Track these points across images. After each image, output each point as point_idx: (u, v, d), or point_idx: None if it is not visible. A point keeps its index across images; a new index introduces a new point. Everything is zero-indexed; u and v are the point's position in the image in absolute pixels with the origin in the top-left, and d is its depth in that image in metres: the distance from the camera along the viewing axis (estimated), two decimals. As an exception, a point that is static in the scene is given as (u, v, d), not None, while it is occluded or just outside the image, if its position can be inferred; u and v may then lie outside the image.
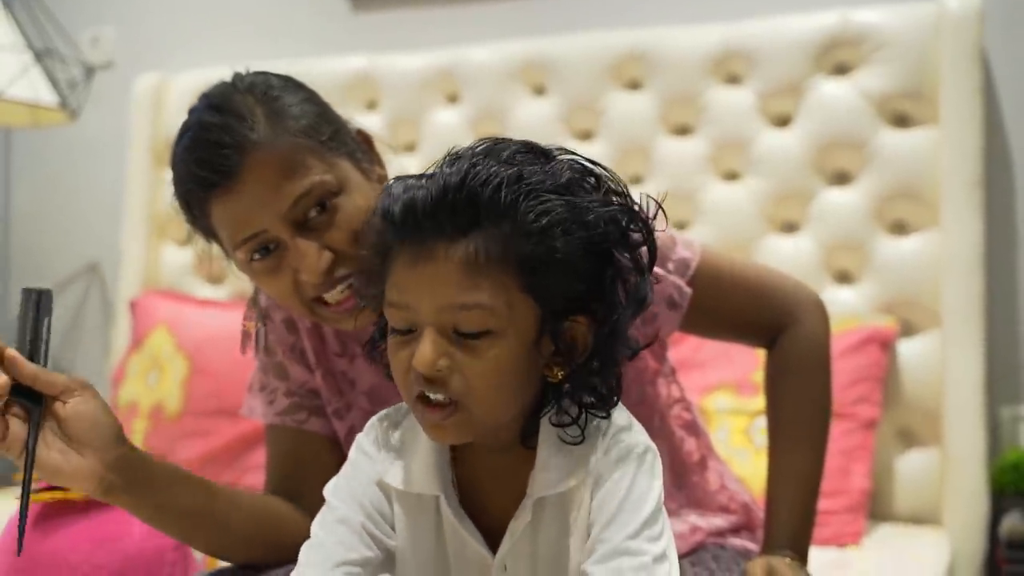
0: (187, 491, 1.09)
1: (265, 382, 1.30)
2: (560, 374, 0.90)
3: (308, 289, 1.12)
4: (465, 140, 2.77)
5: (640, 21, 2.39)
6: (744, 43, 2.24)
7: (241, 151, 1.07)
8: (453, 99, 2.53)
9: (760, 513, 1.35)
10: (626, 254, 0.90)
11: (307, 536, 1.01)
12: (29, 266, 3.14)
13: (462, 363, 0.87)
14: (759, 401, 1.63)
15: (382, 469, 0.96)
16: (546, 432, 0.93)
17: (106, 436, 1.01)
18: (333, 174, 1.11)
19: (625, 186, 0.93)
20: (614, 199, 0.91)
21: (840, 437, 1.96)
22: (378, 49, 2.64)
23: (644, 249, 0.91)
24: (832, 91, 2.18)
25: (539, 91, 2.45)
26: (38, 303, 1.01)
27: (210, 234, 1.17)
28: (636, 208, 0.92)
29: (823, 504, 1.88)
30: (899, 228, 2.14)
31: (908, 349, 2.10)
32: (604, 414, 0.93)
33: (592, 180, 0.92)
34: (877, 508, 2.06)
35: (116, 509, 1.20)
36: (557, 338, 0.89)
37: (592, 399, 0.92)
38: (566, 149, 0.94)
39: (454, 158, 0.91)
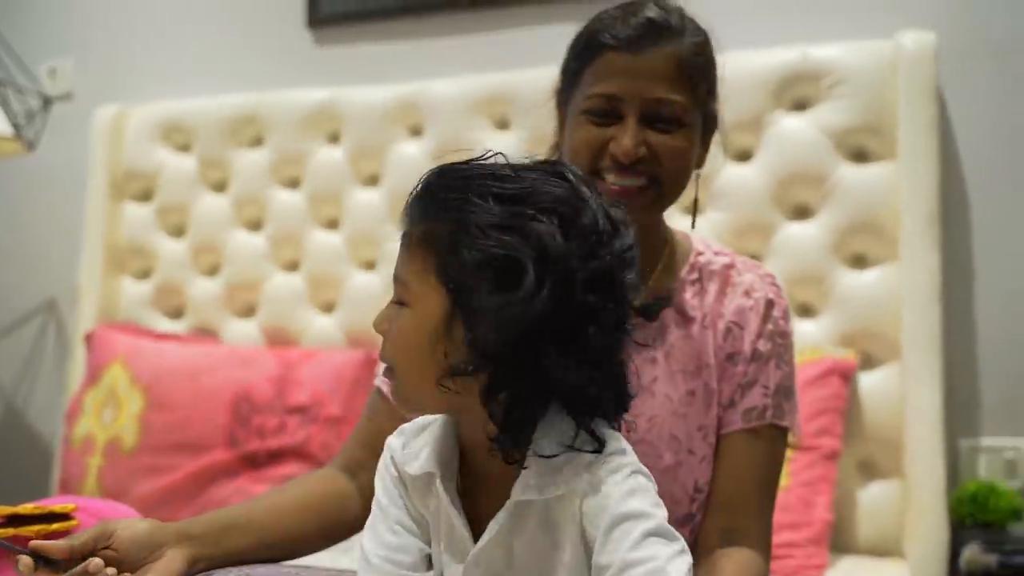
0: (238, 533, 1.20)
1: None
2: (456, 362, 0.92)
3: (604, 157, 1.25)
4: (429, 172, 2.74)
5: (602, 56, 2.41)
6: (705, 78, 2.26)
7: (660, 38, 1.24)
8: (416, 132, 2.53)
9: None
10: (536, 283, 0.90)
11: (365, 509, 1.10)
12: (-18, 300, 3.09)
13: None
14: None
15: (401, 460, 1.04)
16: (536, 442, 0.95)
17: (147, 545, 1.11)
18: (692, 109, 1.25)
19: (615, 233, 0.94)
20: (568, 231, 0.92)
21: (803, 469, 1.97)
22: (340, 82, 2.64)
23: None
24: (792, 126, 2.21)
25: (502, 124, 2.46)
26: None
27: (571, 75, 1.32)
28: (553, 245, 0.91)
29: (786, 536, 1.89)
30: (859, 261, 2.16)
31: (869, 381, 2.11)
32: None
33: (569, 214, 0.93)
34: (839, 540, 2.06)
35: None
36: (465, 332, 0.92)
37: (515, 413, 0.92)
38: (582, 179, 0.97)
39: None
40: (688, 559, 0.89)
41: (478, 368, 0.91)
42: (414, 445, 1.04)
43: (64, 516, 1.27)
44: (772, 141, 2.22)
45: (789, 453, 1.95)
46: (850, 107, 2.16)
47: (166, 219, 2.76)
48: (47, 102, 2.72)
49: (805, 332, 2.17)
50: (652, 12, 1.26)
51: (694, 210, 1.36)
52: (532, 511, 0.94)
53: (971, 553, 1.92)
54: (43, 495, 2.76)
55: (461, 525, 0.99)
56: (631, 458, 0.95)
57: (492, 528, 0.96)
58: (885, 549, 2.05)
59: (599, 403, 0.94)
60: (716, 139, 1.34)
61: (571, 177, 0.96)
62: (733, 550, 1.22)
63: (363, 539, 1.05)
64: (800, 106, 2.22)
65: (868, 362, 2.13)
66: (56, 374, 2.95)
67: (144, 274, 2.79)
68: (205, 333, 2.68)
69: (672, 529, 0.91)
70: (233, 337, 2.65)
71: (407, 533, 1.03)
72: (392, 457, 1.05)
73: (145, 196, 2.80)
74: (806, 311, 2.20)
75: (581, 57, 1.29)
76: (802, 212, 2.21)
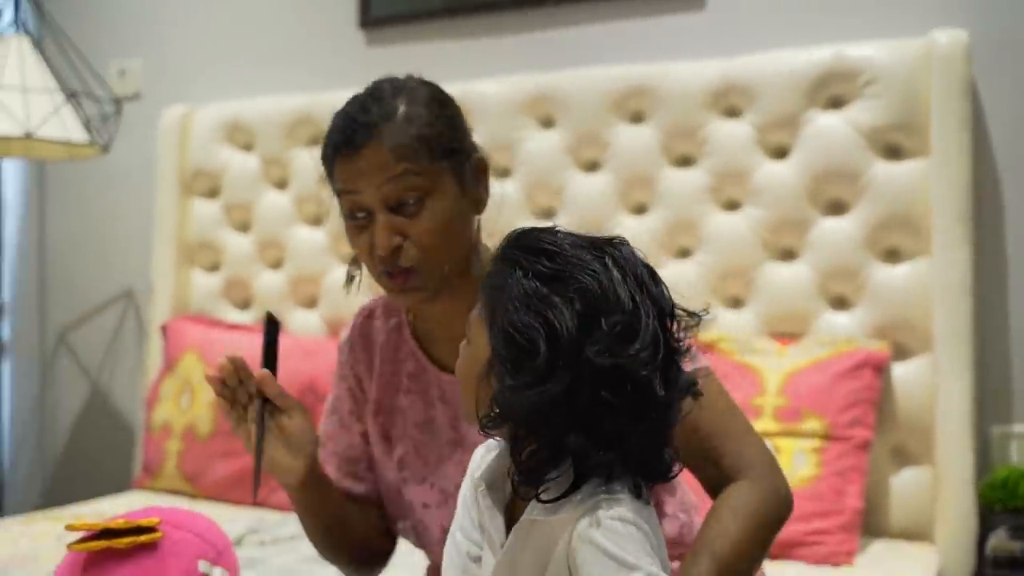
0: (332, 498, 1.42)
1: (322, 439, 1.53)
2: (485, 411, 1.02)
3: (376, 258, 1.33)
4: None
5: (642, 56, 2.49)
6: (742, 77, 2.34)
7: (369, 133, 1.30)
8: (465, 131, 2.63)
9: None
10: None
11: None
12: (65, 292, 3.28)
13: None
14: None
15: (475, 467, 1.15)
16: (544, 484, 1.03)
17: (312, 448, 1.33)
18: (430, 179, 1.31)
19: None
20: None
21: (835, 459, 2.07)
22: (393, 81, 2.74)
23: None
24: (827, 124, 2.27)
25: (547, 123, 2.55)
26: (273, 329, 1.34)
27: (327, 174, 1.38)
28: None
29: (817, 524, 2.00)
30: (892, 256, 2.23)
31: (901, 372, 2.19)
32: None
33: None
34: (872, 524, 2.16)
35: (156, 556, 1.33)
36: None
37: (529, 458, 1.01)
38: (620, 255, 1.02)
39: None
40: None
41: (501, 423, 1.01)
42: (488, 456, 1.14)
43: (150, 529, 1.41)
44: (808, 139, 2.29)
45: (819, 442, 2.06)
46: (883, 105, 2.21)
47: (232, 215, 2.91)
48: (118, 104, 2.87)
49: (839, 325, 2.25)
50: (357, 110, 1.32)
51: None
52: (537, 529, 1.03)
53: (997, 540, 2.00)
54: (127, 475, 2.96)
55: (494, 530, 1.09)
56: (626, 509, 0.99)
57: (510, 538, 1.06)
58: (916, 533, 2.15)
59: (614, 474, 1.00)
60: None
61: (611, 266, 1.00)
62: (723, 493, 1.24)
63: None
64: (835, 104, 2.28)
65: (901, 353, 2.20)
66: (135, 361, 3.14)
67: (213, 267, 2.95)
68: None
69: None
70: (297, 327, 2.80)
71: (462, 534, 1.14)
72: (472, 464, 1.17)
73: (212, 193, 2.95)
74: (841, 304, 2.28)
75: (324, 160, 1.36)
76: (837, 208, 2.28)
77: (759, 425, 1.69)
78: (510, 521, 1.10)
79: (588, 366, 0.96)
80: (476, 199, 1.38)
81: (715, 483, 1.27)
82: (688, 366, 1.24)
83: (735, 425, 1.30)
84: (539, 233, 1.06)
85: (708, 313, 1.06)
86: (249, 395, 1.32)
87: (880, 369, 2.15)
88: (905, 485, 2.18)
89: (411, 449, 1.44)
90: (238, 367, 1.32)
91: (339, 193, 1.34)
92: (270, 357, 1.34)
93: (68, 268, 3.28)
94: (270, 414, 1.32)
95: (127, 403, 3.16)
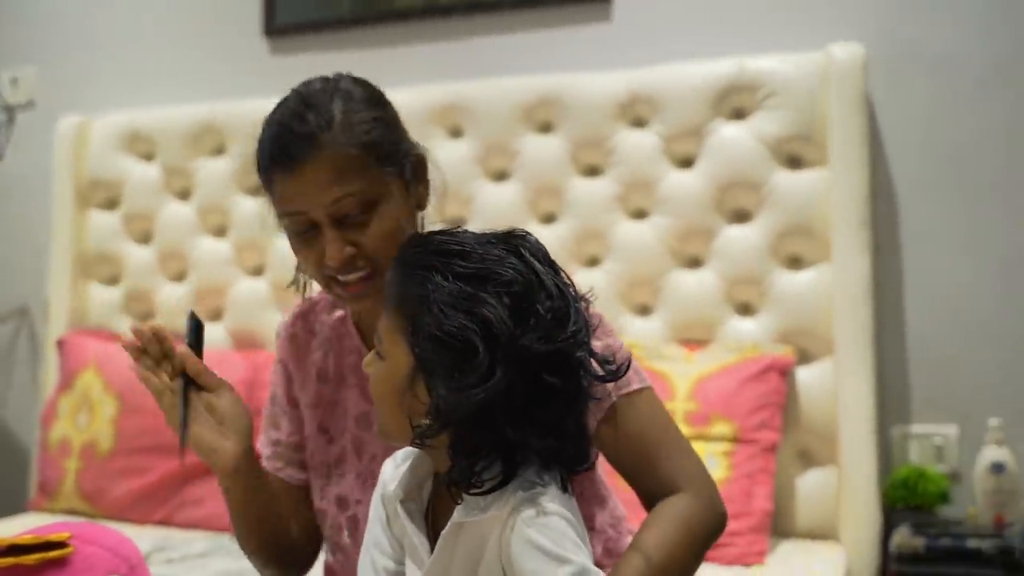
0: (267, 486, 1.35)
1: (264, 428, 1.49)
2: (418, 422, 1.02)
3: (328, 268, 1.29)
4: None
5: (551, 67, 2.51)
6: (648, 88, 2.38)
7: (309, 145, 1.24)
8: (373, 140, 2.61)
9: None
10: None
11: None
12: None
13: None
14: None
15: (387, 481, 1.15)
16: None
17: (245, 428, 1.27)
18: (378, 187, 1.27)
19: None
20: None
21: (744, 462, 2.11)
22: (299, 91, 2.71)
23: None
24: (731, 134, 2.33)
25: (455, 133, 2.56)
26: (197, 326, 1.30)
27: (264, 184, 1.33)
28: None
29: (729, 526, 2.02)
30: (794, 263, 2.29)
31: (805, 376, 2.25)
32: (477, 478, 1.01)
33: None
34: (780, 525, 2.20)
35: (67, 572, 1.28)
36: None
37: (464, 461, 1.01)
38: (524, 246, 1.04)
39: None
40: None
41: (440, 430, 1.00)
42: (400, 469, 1.14)
43: (60, 544, 1.36)
44: (712, 149, 2.33)
45: (728, 446, 2.10)
46: (784, 116, 2.28)
47: (132, 226, 2.84)
48: (11, 112, 2.78)
49: (744, 330, 2.30)
50: (295, 123, 1.25)
51: None
52: (467, 531, 1.03)
53: (901, 536, 2.06)
54: (21, 497, 2.85)
55: (419, 542, 1.09)
56: (556, 504, 1.01)
57: (439, 544, 1.06)
58: (822, 533, 2.20)
59: (551, 461, 1.03)
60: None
61: (528, 256, 1.03)
62: (660, 503, 1.23)
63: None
64: (738, 115, 2.33)
65: (804, 358, 2.26)
66: (30, 379, 3.03)
67: (112, 280, 2.87)
68: (175, 337, 2.77)
69: (590, 567, 0.98)
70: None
71: (377, 551, 1.14)
72: (383, 479, 1.16)
73: (110, 204, 2.88)
74: (746, 310, 2.33)
75: (260, 171, 1.31)
76: (741, 216, 2.34)
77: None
78: (430, 533, 1.10)
79: (527, 355, 0.98)
80: (419, 197, 1.35)
81: (652, 494, 1.26)
82: (635, 382, 1.27)
83: (674, 439, 1.30)
84: (442, 236, 1.06)
85: (593, 294, 1.11)
86: (170, 373, 1.26)
87: (785, 373, 2.21)
88: (811, 486, 2.24)
89: (348, 443, 1.41)
90: (159, 336, 1.25)
91: (281, 212, 1.29)
92: (195, 350, 1.30)
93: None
94: (196, 393, 1.26)
95: (20, 423, 3.05)
